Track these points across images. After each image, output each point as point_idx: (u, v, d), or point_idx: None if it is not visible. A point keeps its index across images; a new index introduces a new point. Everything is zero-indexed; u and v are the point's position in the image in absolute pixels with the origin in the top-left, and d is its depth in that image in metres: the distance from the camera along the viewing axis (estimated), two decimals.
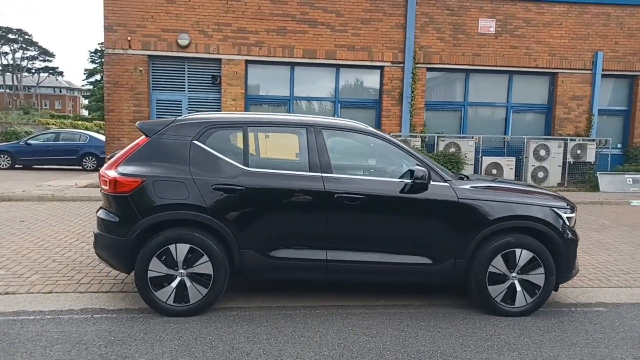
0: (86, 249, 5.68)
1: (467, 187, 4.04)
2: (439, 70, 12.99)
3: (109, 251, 3.89)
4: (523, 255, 3.95)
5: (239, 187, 3.79)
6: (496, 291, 3.97)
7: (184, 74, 12.37)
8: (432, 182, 3.91)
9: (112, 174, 3.82)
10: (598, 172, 12.36)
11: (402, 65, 12.60)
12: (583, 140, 13.03)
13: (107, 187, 3.85)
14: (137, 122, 4.20)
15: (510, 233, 3.95)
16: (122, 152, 4.06)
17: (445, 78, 13.24)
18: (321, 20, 12.33)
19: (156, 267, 3.76)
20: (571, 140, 12.93)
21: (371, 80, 13.01)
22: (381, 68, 12.73)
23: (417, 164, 3.94)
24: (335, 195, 3.85)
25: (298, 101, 12.78)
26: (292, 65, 12.60)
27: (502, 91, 13.40)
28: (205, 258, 3.76)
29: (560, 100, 13.27)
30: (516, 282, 3.98)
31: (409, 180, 3.86)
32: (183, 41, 11.94)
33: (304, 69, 12.70)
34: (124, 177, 3.78)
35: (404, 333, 3.60)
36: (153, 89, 12.33)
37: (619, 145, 13.91)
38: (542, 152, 12.65)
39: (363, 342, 3.42)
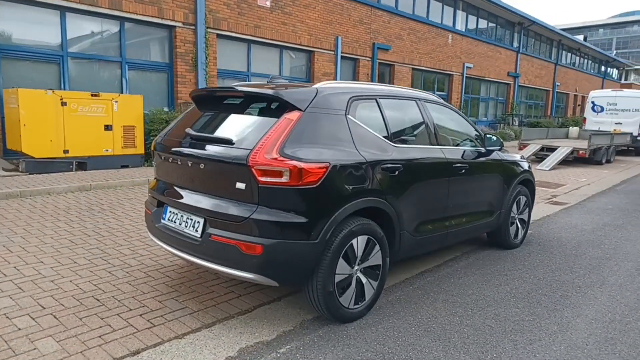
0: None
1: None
2: (227, 37, 12.75)
3: (292, 263, 2.92)
4: (523, 200, 5.31)
5: (398, 165, 3.54)
6: (512, 231, 5.22)
7: None
8: None
9: (290, 162, 2.85)
10: None
11: (194, 27, 11.73)
12: None
13: (284, 179, 2.84)
14: (274, 90, 3.12)
15: (519, 184, 5.21)
16: (268, 131, 2.97)
17: (232, 46, 13.11)
18: None
19: (342, 269, 3.16)
20: None
21: (162, 41, 11.55)
22: (172, 28, 11.47)
23: (486, 134, 4.64)
24: (453, 165, 4.12)
25: (72, 58, 10.05)
26: (63, 10, 9.74)
27: (275, 64, 14.41)
28: (377, 248, 3.41)
29: (316, 76, 15.41)
30: (517, 221, 5.32)
31: (496, 147, 4.55)
32: None
33: (80, 18, 10.03)
34: (310, 163, 2.90)
35: (503, 275, 4.37)
36: None
37: None
38: None
39: (499, 288, 4.02)
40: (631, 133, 17.84)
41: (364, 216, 3.32)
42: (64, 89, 9.70)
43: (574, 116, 34.85)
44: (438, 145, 4.09)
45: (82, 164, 8.83)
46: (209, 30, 12.05)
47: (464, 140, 4.63)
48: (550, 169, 13.16)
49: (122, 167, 9.41)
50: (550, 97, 32.94)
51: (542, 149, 14.78)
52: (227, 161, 2.96)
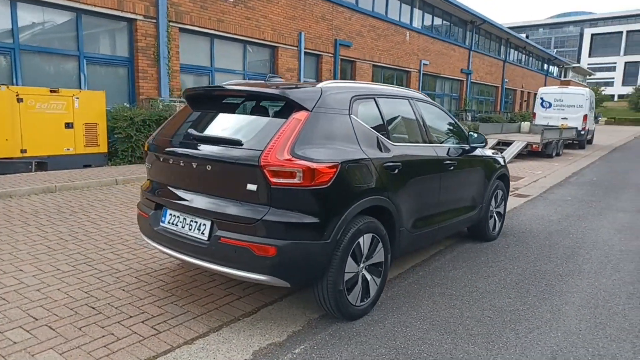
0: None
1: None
2: (190, 32, 12.39)
3: (306, 264, 2.92)
4: (500, 195, 5.54)
5: (398, 163, 3.61)
6: (491, 224, 5.44)
7: None
8: None
9: (302, 162, 2.84)
10: None
11: (155, 21, 11.32)
12: None
13: (296, 180, 2.83)
14: (280, 90, 3.09)
15: (497, 179, 5.43)
16: (278, 131, 2.94)
17: (195, 40, 12.76)
18: None
19: (350, 267, 3.20)
20: None
21: (122, 34, 11.07)
22: (132, 21, 11.02)
23: (469, 131, 4.80)
24: (444, 162, 4.24)
25: (24, 51, 9.44)
26: (13, 0, 9.14)
27: (239, 59, 14.18)
28: (380, 245, 3.47)
29: (280, 72, 15.29)
30: (495, 214, 5.54)
31: (480, 144, 4.72)
32: None
33: (32, 8, 9.44)
34: (321, 164, 2.91)
35: (489, 267, 4.57)
36: None
37: None
38: None
39: (488, 279, 4.20)
40: (576, 128, 18.95)
41: (368, 214, 3.36)
42: (16, 84, 9.12)
43: (521, 111, 36.59)
44: (429, 142, 4.20)
45: (42, 164, 8.35)
46: (171, 23, 11.68)
47: (449, 137, 4.77)
48: (507, 163, 13.74)
49: (85, 166, 8.98)
50: (499, 93, 34.35)
51: (498, 143, 15.41)
52: (236, 162, 2.91)
